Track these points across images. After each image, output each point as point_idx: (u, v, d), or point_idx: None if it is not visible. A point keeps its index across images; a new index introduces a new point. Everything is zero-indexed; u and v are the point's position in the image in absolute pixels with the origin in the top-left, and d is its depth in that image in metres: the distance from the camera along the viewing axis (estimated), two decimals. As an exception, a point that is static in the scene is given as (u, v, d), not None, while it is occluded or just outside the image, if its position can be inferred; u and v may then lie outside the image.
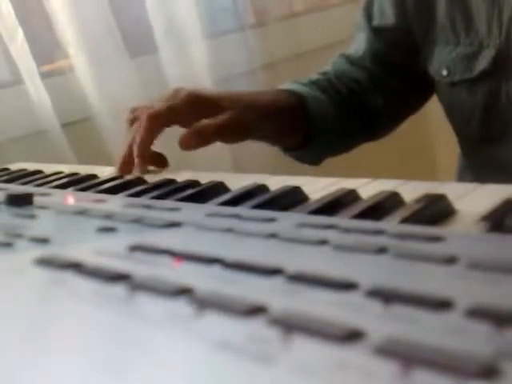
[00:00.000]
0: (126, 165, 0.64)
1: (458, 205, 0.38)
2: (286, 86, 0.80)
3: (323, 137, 0.79)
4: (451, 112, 0.80)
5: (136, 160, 0.63)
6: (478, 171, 0.79)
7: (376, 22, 0.82)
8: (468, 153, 0.82)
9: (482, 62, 0.71)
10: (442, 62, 0.76)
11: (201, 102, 0.66)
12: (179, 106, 0.64)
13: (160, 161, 0.66)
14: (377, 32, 0.82)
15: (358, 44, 0.84)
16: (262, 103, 0.73)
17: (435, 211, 0.37)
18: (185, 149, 0.63)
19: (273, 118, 0.73)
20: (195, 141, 0.63)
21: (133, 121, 0.67)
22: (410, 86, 0.83)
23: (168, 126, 0.65)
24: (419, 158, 1.53)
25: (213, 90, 0.69)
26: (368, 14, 0.83)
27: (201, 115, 0.65)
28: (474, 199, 0.39)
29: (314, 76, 0.84)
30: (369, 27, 0.82)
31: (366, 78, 0.83)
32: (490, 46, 0.70)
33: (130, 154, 0.64)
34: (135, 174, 0.63)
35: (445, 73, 0.76)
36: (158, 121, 0.64)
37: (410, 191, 0.40)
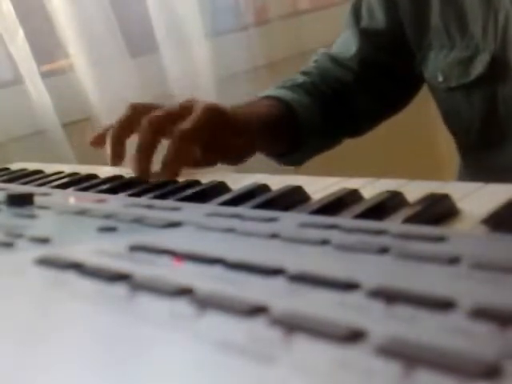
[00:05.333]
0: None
1: (461, 205, 0.38)
2: (271, 92, 0.79)
3: (310, 141, 0.79)
4: (449, 117, 0.79)
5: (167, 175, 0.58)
6: (476, 175, 0.79)
7: (364, 23, 0.81)
8: (466, 157, 0.82)
9: (478, 67, 0.71)
10: (437, 68, 0.76)
11: (217, 120, 0.62)
12: (203, 125, 0.60)
13: None
14: (365, 34, 0.81)
15: (346, 45, 0.84)
16: (262, 119, 0.72)
17: (438, 211, 0.37)
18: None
19: (268, 131, 0.73)
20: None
21: (134, 118, 0.63)
22: (396, 87, 0.83)
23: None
24: (423, 157, 1.53)
25: (224, 105, 0.66)
26: (356, 15, 0.82)
27: (216, 134, 0.63)
28: (478, 199, 0.39)
29: (298, 78, 0.84)
30: (357, 28, 0.82)
31: (352, 79, 0.82)
32: (485, 50, 0.70)
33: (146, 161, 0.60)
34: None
35: (441, 78, 0.76)
36: (190, 142, 0.60)
37: (414, 191, 0.40)
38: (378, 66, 0.82)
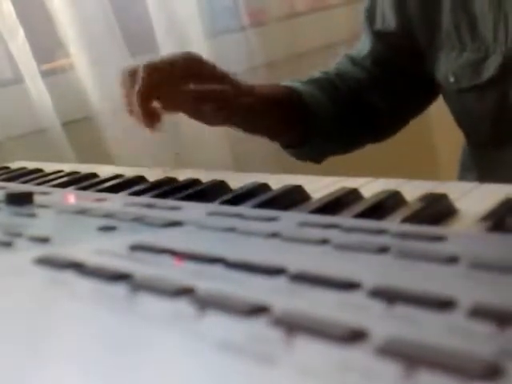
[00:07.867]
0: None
1: (459, 204, 0.38)
2: (286, 83, 0.81)
3: (322, 134, 0.79)
4: (460, 118, 0.80)
5: (137, 110, 0.62)
6: (483, 171, 0.79)
7: (378, 26, 0.82)
8: (475, 154, 0.82)
9: (490, 69, 0.71)
10: (448, 69, 0.76)
11: (198, 65, 0.66)
12: (177, 61, 0.64)
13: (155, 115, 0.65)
14: (378, 36, 0.82)
15: (362, 45, 0.85)
16: (261, 92, 0.73)
17: (436, 211, 0.37)
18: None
19: (271, 108, 0.73)
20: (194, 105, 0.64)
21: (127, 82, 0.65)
22: (412, 88, 0.83)
23: (164, 81, 0.63)
24: (421, 157, 1.53)
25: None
26: (370, 17, 0.83)
27: (195, 79, 0.65)
28: (475, 199, 0.39)
29: (316, 74, 0.85)
30: (370, 31, 0.83)
31: (366, 76, 0.83)
32: (496, 52, 0.70)
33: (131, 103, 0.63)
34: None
35: (452, 79, 0.76)
36: (156, 72, 0.63)
37: (412, 190, 0.40)
38: (390, 66, 0.82)
